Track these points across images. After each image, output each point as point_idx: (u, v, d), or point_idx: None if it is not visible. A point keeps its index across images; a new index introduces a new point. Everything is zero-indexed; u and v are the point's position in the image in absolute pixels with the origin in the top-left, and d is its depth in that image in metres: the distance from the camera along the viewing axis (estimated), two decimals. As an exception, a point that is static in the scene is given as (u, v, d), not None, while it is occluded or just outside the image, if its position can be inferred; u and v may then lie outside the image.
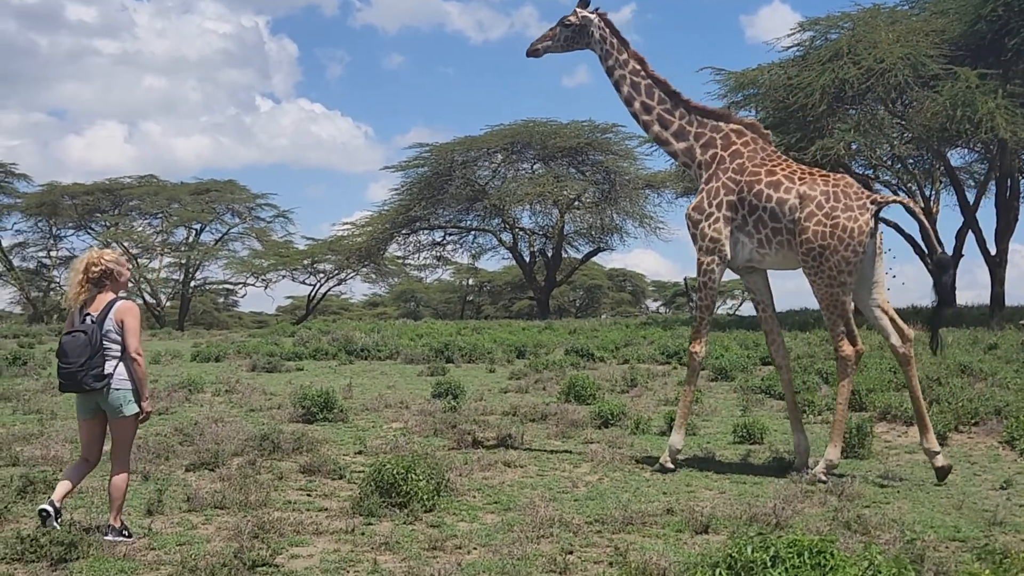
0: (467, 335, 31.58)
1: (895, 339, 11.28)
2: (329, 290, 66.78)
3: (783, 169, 11.46)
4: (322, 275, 64.03)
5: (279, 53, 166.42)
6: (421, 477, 9.34)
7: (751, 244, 11.50)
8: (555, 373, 20.93)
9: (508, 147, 56.60)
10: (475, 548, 8.00)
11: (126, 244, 62.10)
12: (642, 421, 14.34)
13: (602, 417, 14.54)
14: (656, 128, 12.21)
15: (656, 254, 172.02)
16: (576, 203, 56.84)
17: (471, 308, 78.88)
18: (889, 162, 41.81)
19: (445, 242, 61.34)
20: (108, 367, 7.81)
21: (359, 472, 10.64)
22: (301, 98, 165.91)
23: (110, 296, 8.01)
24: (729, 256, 11.59)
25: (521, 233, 58.91)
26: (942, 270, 11.55)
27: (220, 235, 66.39)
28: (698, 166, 12.01)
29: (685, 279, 77.55)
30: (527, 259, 59.45)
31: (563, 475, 11.15)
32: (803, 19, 39.34)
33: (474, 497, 9.91)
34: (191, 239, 66.28)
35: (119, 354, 7.90)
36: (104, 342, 7.83)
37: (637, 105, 12.26)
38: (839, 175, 11.44)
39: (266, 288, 65.15)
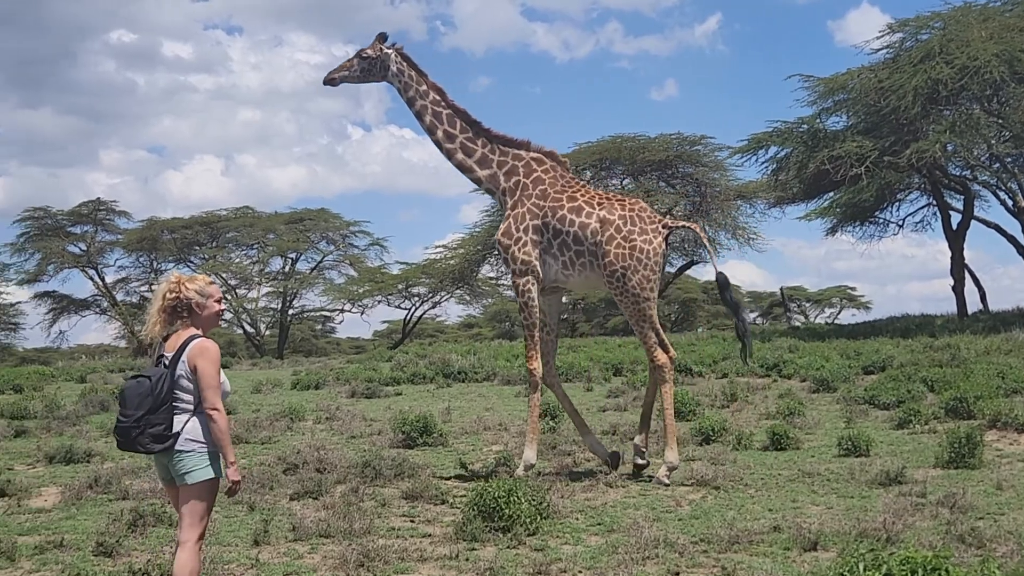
0: (563, 354, 31.48)
1: (659, 355, 12.17)
2: (424, 313, 67.16)
3: (583, 195, 12.18)
4: (417, 299, 64.41)
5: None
6: (523, 500, 9.32)
7: (556, 266, 12.19)
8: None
9: (596, 163, 56.38)
10: (580, 572, 7.95)
11: (224, 276, 63.22)
12: (744, 436, 14.16)
13: (703, 433, 14.41)
14: (460, 156, 12.64)
15: (752, 265, 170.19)
16: (667, 217, 56.42)
17: (566, 326, 78.66)
18: (987, 162, 40.85)
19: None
20: (176, 424, 6.23)
21: (461, 496, 10.66)
22: (391, 124, 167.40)
23: (190, 332, 6.43)
24: (541, 276, 12.17)
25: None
26: (722, 288, 12.45)
27: (315, 263, 67.22)
28: (502, 192, 12.55)
29: (781, 289, 76.64)
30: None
31: (666, 494, 11.04)
32: (892, 20, 38.69)
33: (577, 519, 9.86)
34: (287, 268, 67.23)
35: (192, 406, 6.30)
36: (175, 391, 6.29)
37: (440, 134, 12.62)
38: (634, 200, 12.29)
39: (362, 314, 65.74)
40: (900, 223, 48.86)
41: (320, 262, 67.11)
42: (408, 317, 65.47)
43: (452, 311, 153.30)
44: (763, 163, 41.99)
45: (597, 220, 11.85)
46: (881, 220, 48.91)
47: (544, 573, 7.87)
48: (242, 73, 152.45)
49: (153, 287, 63.78)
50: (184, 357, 6.29)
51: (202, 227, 66.76)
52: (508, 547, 8.68)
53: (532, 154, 12.53)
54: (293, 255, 66.66)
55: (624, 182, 57.78)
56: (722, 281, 12.41)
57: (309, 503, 10.70)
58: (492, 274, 62.21)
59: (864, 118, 38.23)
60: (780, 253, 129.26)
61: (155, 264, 66.94)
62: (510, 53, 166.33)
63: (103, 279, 65.45)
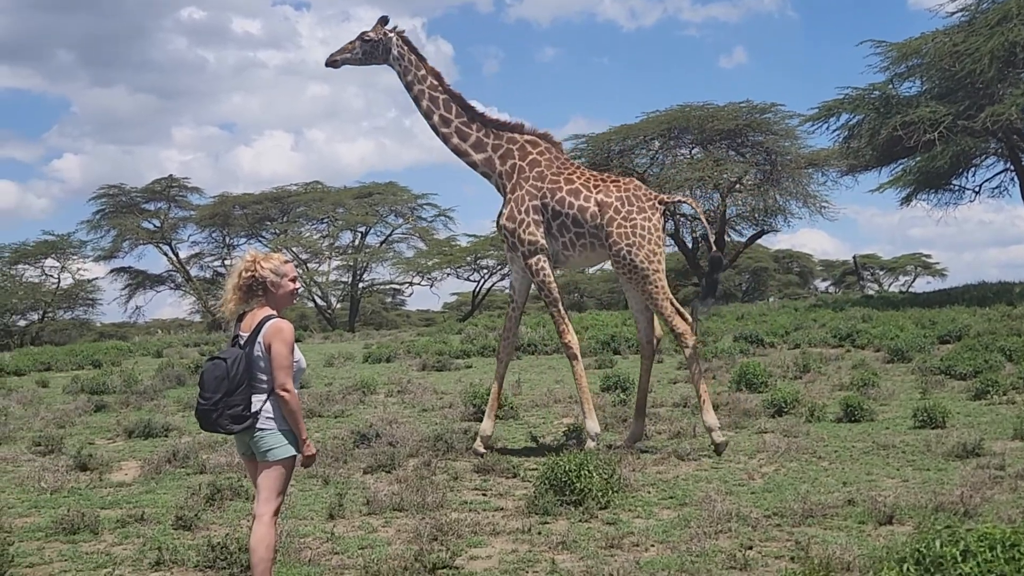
0: (632, 325, 31.38)
1: (649, 335, 12.54)
2: (493, 285, 67.36)
3: (579, 178, 12.31)
4: (485, 271, 64.62)
5: (436, 53, 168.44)
6: (594, 473, 9.33)
7: (556, 246, 12.33)
8: (724, 361, 20.70)
9: (665, 133, 56.01)
10: (652, 545, 7.94)
11: (295, 250, 63.86)
12: (817, 408, 14.02)
13: (775, 405, 14.30)
14: (455, 140, 12.74)
15: (824, 233, 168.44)
16: (737, 186, 55.83)
17: (636, 296, 78.45)
18: (1067, 125, 39.87)
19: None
20: (255, 403, 6.27)
21: (533, 470, 10.71)
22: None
23: (265, 312, 6.42)
24: (550, 252, 12.30)
25: (682, 219, 58.28)
26: (714, 266, 12.93)
27: (384, 236, 67.62)
28: (499, 176, 12.68)
29: (854, 257, 75.73)
30: (690, 245, 58.81)
31: (738, 467, 10.99)
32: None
33: (649, 492, 9.85)
34: (357, 242, 67.69)
35: (270, 386, 6.31)
36: (253, 371, 6.31)
37: (436, 118, 12.73)
38: (628, 180, 12.39)
39: (431, 286, 66.11)
40: (976, 189, 47.91)
41: (389, 235, 67.54)
42: (477, 289, 65.72)
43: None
44: (834, 131, 41.46)
45: (595, 203, 12.00)
46: (956, 187, 48.00)
47: (616, 546, 7.87)
48: (310, 48, 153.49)
49: (226, 262, 64.85)
50: (260, 338, 6.30)
51: (272, 202, 67.46)
52: (580, 520, 8.70)
53: (527, 137, 12.66)
54: (362, 229, 67.12)
55: (693, 151, 57.38)
56: (715, 261, 13.00)
57: (382, 477, 10.81)
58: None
59: (938, 83, 37.53)
60: (853, 221, 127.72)
61: (227, 239, 67.81)
62: (576, 23, 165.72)
63: (177, 255, 66.49)
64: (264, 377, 6.30)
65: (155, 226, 65.54)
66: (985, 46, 32.80)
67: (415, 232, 68.01)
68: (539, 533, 8.33)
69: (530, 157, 12.49)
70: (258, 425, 6.25)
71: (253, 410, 6.25)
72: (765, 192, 55.31)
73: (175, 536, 8.51)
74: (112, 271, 65.64)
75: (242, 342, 6.37)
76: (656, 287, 11.92)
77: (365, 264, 66.00)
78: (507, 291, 78.35)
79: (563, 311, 12.41)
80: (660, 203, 12.14)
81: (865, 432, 12.75)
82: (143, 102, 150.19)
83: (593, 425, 12.01)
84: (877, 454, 11.37)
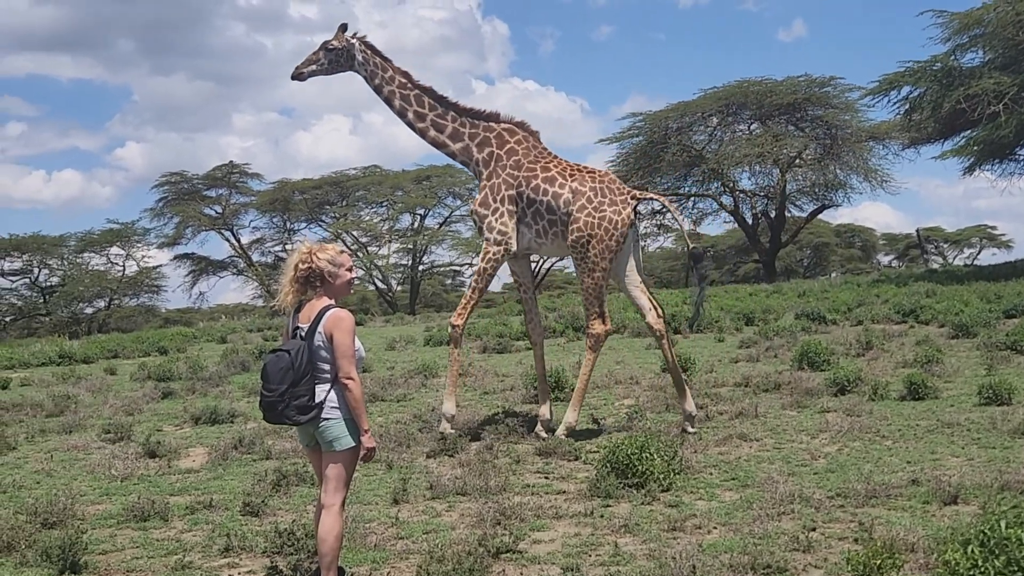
0: (691, 306, 31.31)
1: (651, 317, 12.46)
2: (552, 265, 67.38)
3: (555, 166, 12.41)
4: (545, 251, 64.60)
5: (492, 34, 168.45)
6: (656, 456, 9.35)
7: (530, 234, 12.44)
8: (786, 339, 20.57)
9: (723, 109, 55.77)
10: (715, 527, 7.95)
11: (355, 233, 64.31)
12: (880, 386, 13.89)
13: (838, 384, 14.19)
14: (432, 133, 12.85)
15: (886, 206, 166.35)
16: (797, 161, 55.42)
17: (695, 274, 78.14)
18: None
19: (664, 210, 60.86)
20: (319, 394, 6.37)
21: (594, 453, 10.75)
22: (514, 77, 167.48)
23: (324, 303, 6.50)
24: (515, 247, 12.41)
25: (742, 195, 57.97)
26: (696, 261, 13.07)
27: (443, 218, 67.88)
28: (476, 164, 12.77)
29: (917, 230, 74.87)
30: (749, 221, 58.46)
31: (801, 447, 10.94)
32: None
33: (711, 474, 9.85)
34: (416, 224, 67.98)
35: (332, 376, 6.40)
36: (316, 362, 6.40)
37: (411, 115, 12.86)
38: (603, 172, 12.55)
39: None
40: (1043, 159, 47.08)
41: (448, 217, 67.75)
42: (536, 269, 65.66)
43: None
44: (895, 103, 40.91)
45: (569, 191, 12.14)
46: (1021, 157, 47.21)
47: (679, 529, 7.89)
48: (367, 31, 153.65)
49: (287, 247, 65.42)
50: (320, 328, 6.38)
51: (332, 187, 67.96)
52: (642, 503, 8.73)
53: (504, 125, 12.75)
54: (421, 211, 67.40)
55: (752, 127, 57.07)
56: (696, 254, 13.11)
57: (445, 461, 10.90)
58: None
59: (1002, 53, 36.89)
60: (916, 193, 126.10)
61: (288, 224, 68.47)
62: (632, 0, 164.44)
63: (239, 240, 67.29)
64: (326, 367, 6.40)
65: (217, 212, 66.36)
66: (1050, 15, 32.20)
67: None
68: (601, 516, 8.37)
69: (507, 146, 12.60)
70: (323, 415, 6.35)
71: (317, 400, 6.35)
72: (825, 166, 54.87)
73: (243, 522, 8.66)
74: (175, 257, 66.66)
75: (303, 333, 6.45)
76: (596, 284, 12.15)
77: (424, 246, 66.31)
78: (566, 270, 78.36)
79: (475, 301, 12.66)
80: (633, 198, 12.28)
81: (929, 410, 12.63)
82: (202, 89, 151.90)
83: (449, 407, 12.31)
84: (942, 432, 11.27)
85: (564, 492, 9.37)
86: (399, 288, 69.27)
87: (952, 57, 38.91)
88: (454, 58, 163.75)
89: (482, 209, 12.48)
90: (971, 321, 20.52)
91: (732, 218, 59.25)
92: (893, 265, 79.12)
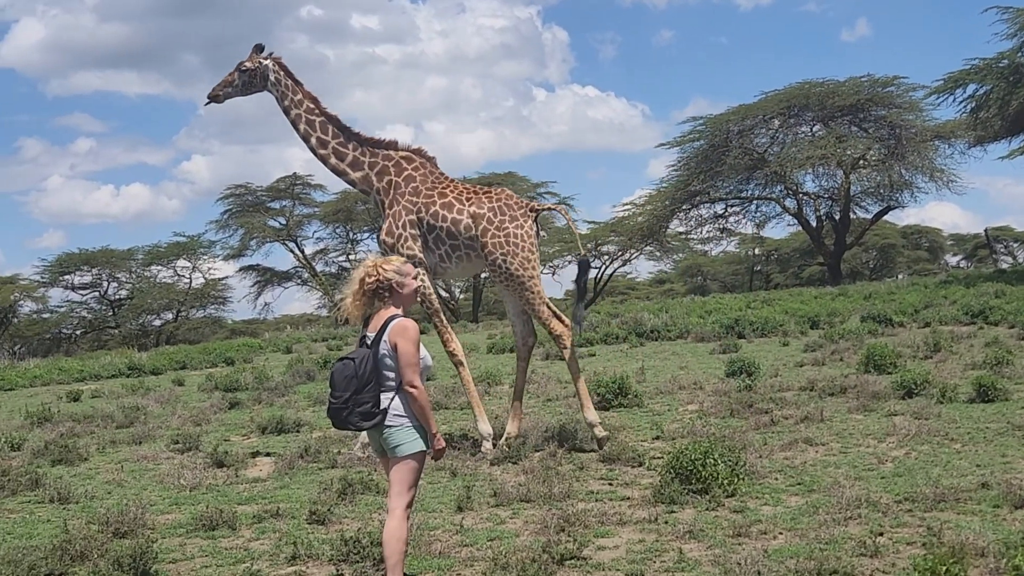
0: (757, 308, 31.15)
1: (555, 325, 12.35)
2: (615, 271, 67.30)
3: (452, 191, 12.57)
4: (607, 257, 64.58)
5: (552, 41, 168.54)
6: (720, 461, 9.30)
7: (434, 258, 12.62)
8: (852, 342, 20.36)
9: (785, 111, 55.37)
10: (780, 533, 7.90)
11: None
12: (948, 388, 13.69)
13: (905, 387, 14.01)
14: (333, 160, 12.93)
15: (954, 206, 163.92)
16: (861, 162, 54.84)
17: (759, 278, 77.61)
18: None
19: (727, 214, 60.64)
20: (384, 400, 6.49)
21: (658, 459, 10.72)
22: (574, 84, 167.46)
23: (390, 312, 6.61)
24: (428, 266, 12.61)
25: (805, 198, 57.49)
26: (581, 271, 13.10)
27: (505, 227, 67.83)
28: (377, 192, 12.90)
29: (986, 230, 73.76)
30: (813, 224, 57.92)
31: (867, 451, 10.83)
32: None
33: (776, 479, 9.77)
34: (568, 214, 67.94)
35: (397, 383, 6.51)
36: (381, 370, 6.51)
37: (314, 140, 12.93)
38: (499, 190, 12.70)
39: (553, 274, 66.19)
40: (1115, 153, 46.22)
41: (510, 224, 67.66)
42: (599, 275, 65.66)
43: (642, 268, 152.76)
44: (961, 102, 40.39)
45: (468, 215, 12.26)
46: (1091, 154, 46.38)
47: (744, 535, 7.85)
48: (428, 41, 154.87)
49: (350, 257, 65.89)
50: (385, 337, 6.49)
51: (394, 197, 68.22)
52: (707, 509, 8.69)
53: (401, 153, 12.86)
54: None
55: (814, 128, 56.61)
56: (583, 265, 13.21)
57: (509, 468, 10.94)
58: (682, 229, 61.75)
59: (1072, 47, 36.29)
60: (984, 192, 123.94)
61: (351, 235, 68.89)
62: (693, 4, 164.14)
63: (303, 251, 67.80)
64: (391, 375, 6.49)
65: (281, 224, 66.96)
66: (1120, 7, 31.59)
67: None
68: (666, 522, 8.35)
69: (405, 173, 12.72)
70: (387, 422, 6.45)
71: (382, 407, 6.46)
72: (890, 167, 54.23)
73: (309, 531, 8.74)
74: (241, 269, 67.35)
75: (369, 342, 6.57)
76: (532, 292, 12.21)
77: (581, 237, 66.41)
78: (629, 275, 78.21)
79: (444, 321, 12.75)
80: (532, 211, 12.41)
81: (999, 412, 12.43)
82: (266, 101, 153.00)
83: (485, 427, 12.19)
84: (1012, 435, 11.09)
85: (628, 498, 9.35)
86: (462, 296, 69.45)
87: (1019, 54, 38.29)
88: (515, 65, 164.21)
89: (388, 238, 12.62)
90: (1042, 321, 20.18)
91: (796, 221, 58.76)
92: (961, 266, 77.97)
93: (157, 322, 63.73)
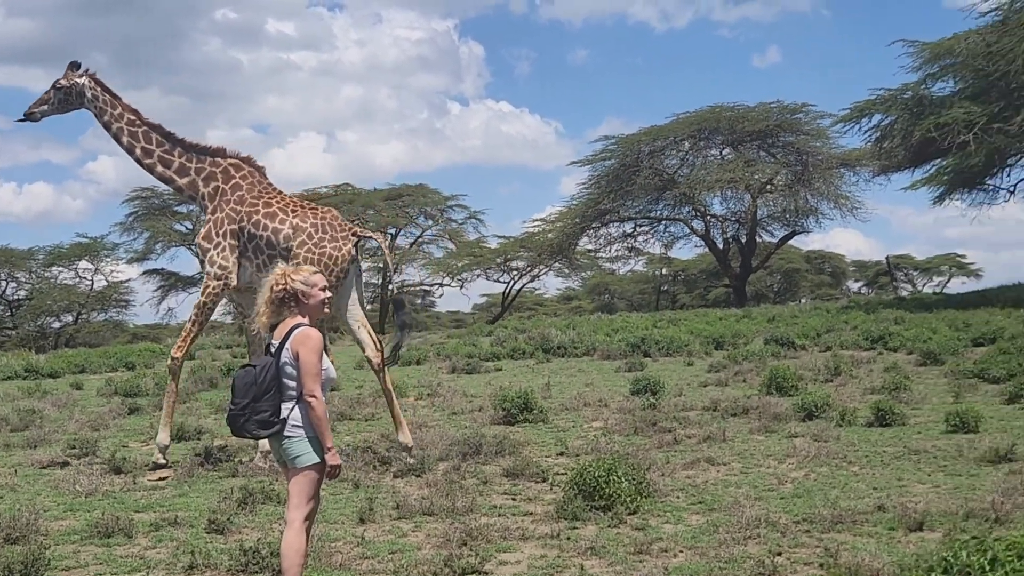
0: (663, 327, 31.42)
1: (370, 351, 12.32)
2: (523, 287, 67.49)
3: (278, 202, 12.57)
4: (516, 272, 64.75)
5: (468, 55, 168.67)
6: (623, 479, 9.35)
7: (251, 268, 12.45)
8: (755, 364, 20.63)
9: (695, 134, 56.08)
10: (681, 551, 7.95)
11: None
12: (848, 412, 13.96)
13: (806, 409, 14.24)
14: (160, 169, 12.93)
15: (857, 233, 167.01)
16: (768, 186, 55.78)
17: (666, 298, 78.40)
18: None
19: (636, 233, 61.10)
20: (284, 410, 6.37)
21: (562, 475, 10.73)
22: (489, 99, 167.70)
23: (296, 321, 6.53)
24: (235, 282, 12.51)
25: (713, 220, 58.22)
26: (398, 308, 13.50)
27: (415, 238, 67.74)
28: (202, 198, 12.85)
29: (887, 257, 75.43)
30: (720, 246, 58.68)
31: (768, 472, 10.97)
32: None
33: (678, 497, 9.85)
34: (387, 243, 67.74)
35: (297, 394, 6.39)
36: (282, 379, 6.40)
37: (139, 151, 12.90)
38: (326, 209, 12.78)
39: (461, 288, 66.21)
40: (1011, 189, 47.55)
41: (419, 237, 67.61)
42: (507, 290, 65.81)
43: (551, 284, 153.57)
44: (866, 131, 41.18)
45: (290, 226, 12.29)
46: (991, 186, 47.65)
47: (645, 552, 7.89)
48: (345, 49, 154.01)
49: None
50: (288, 345, 6.40)
51: (303, 204, 67.65)
52: (609, 526, 8.73)
53: (230, 160, 12.89)
54: (392, 230, 67.24)
55: (724, 152, 57.41)
56: (399, 302, 13.72)
57: (412, 481, 10.87)
58: (591, 247, 62.18)
59: (972, 83, 37.24)
60: (887, 220, 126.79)
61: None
62: (608, 24, 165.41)
63: (208, 256, 66.76)
64: (293, 384, 6.39)
65: (187, 228, 65.92)
66: (1019, 47, 32.54)
67: (445, 234, 68.11)
68: (568, 538, 8.36)
69: (232, 180, 12.73)
70: (286, 432, 6.35)
71: (281, 416, 6.36)
72: (796, 193, 55.27)
73: (208, 540, 8.60)
74: (144, 273, 66.05)
75: (273, 350, 6.48)
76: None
77: (396, 266, 66.16)
78: (537, 291, 78.43)
79: (195, 333, 12.70)
80: (354, 235, 12.50)
81: (896, 437, 12.69)
82: (177, 104, 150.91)
83: (162, 438, 12.09)
84: (908, 459, 11.33)
85: (531, 514, 9.35)
86: (370, 307, 69.06)
87: (923, 86, 39.27)
88: (431, 78, 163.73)
89: (205, 243, 12.55)
90: (939, 349, 20.67)
91: (703, 242, 59.50)
92: (863, 292, 79.56)
93: (56, 324, 62.20)
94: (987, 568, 5.33)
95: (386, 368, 12.38)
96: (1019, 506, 8.76)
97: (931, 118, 35.32)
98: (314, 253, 12.06)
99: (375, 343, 12.40)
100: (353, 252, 12.37)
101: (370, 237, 13.33)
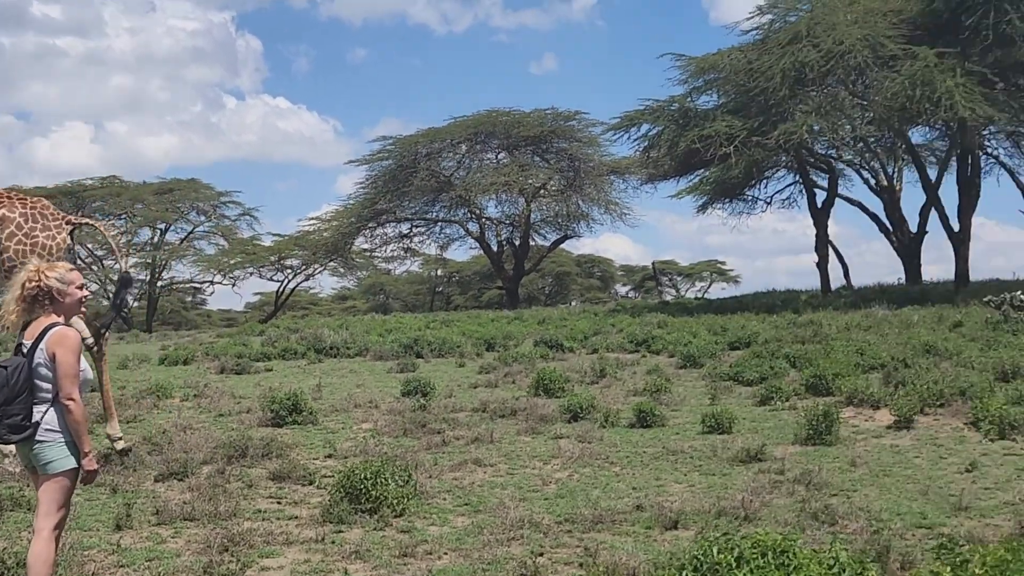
0: (436, 328, 31.56)
1: (88, 339, 11.77)
2: (297, 286, 66.64)
3: None
4: (289, 271, 63.90)
5: (245, 49, 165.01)
6: (391, 481, 9.36)
7: None
8: (524, 366, 20.95)
9: (472, 137, 56.70)
10: (446, 553, 8.02)
11: (90, 246, 61.63)
12: (611, 414, 14.37)
13: (571, 411, 14.57)
14: None
15: (627, 239, 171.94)
16: (542, 191, 56.93)
17: (440, 299, 78.85)
18: (851, 142, 42.08)
19: (412, 234, 61.28)
20: (36, 413, 6.09)
21: (329, 477, 10.65)
22: (265, 94, 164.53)
23: (50, 320, 6.22)
24: None
25: (488, 223, 58.97)
26: (123, 285, 13.20)
27: (185, 234, 65.94)
28: None
29: (653, 263, 77.91)
30: (495, 248, 59.46)
31: (533, 473, 11.18)
32: (763, 2, 39.52)
33: (444, 499, 9.93)
34: (156, 239, 65.74)
35: (52, 396, 6.14)
36: (34, 380, 6.11)
37: None
38: (36, 199, 12.31)
39: (233, 286, 64.93)
40: (768, 200, 50.21)
41: (190, 233, 65.86)
42: (281, 289, 64.86)
43: (326, 283, 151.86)
44: (635, 140, 42.49)
45: None
46: (750, 197, 50.15)
47: (410, 555, 7.92)
48: (115, 37, 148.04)
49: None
50: (43, 346, 6.12)
51: (66, 196, 64.63)
52: (375, 529, 8.72)
53: None
54: (162, 226, 65.26)
55: (499, 156, 58.22)
56: (124, 280, 13.18)
57: (174, 485, 10.57)
58: (367, 246, 61.97)
59: (734, 98, 39.01)
60: (654, 227, 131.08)
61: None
62: (388, 24, 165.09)
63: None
64: (46, 386, 6.13)
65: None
66: (777, 65, 34.25)
67: (218, 230, 66.57)
68: (333, 542, 8.31)
69: None
70: (38, 436, 6.09)
71: (33, 420, 6.08)
72: (568, 198, 56.66)
73: (-52, 550, 8.13)
74: None
75: (25, 350, 6.17)
76: None
77: (164, 262, 64.22)
78: (312, 291, 77.53)
79: None
80: (68, 223, 12.20)
81: (656, 437, 13.14)
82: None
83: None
84: (666, 459, 11.75)
85: (296, 518, 9.24)
86: (136, 304, 66.74)
87: (688, 99, 40.85)
88: (206, 71, 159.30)
89: None
90: (698, 352, 21.48)
91: (478, 245, 60.15)
92: (630, 296, 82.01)
93: None
94: (734, 565, 5.58)
95: (103, 354, 12.02)
96: (766, 504, 9.24)
97: (695, 130, 36.76)
98: (25, 244, 11.57)
99: (95, 329, 11.98)
100: (68, 241, 11.91)
101: (87, 224, 12.84)
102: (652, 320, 31.34)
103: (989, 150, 42.43)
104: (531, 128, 55.03)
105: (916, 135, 42.37)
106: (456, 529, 8.77)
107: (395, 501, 9.21)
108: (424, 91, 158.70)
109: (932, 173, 40.98)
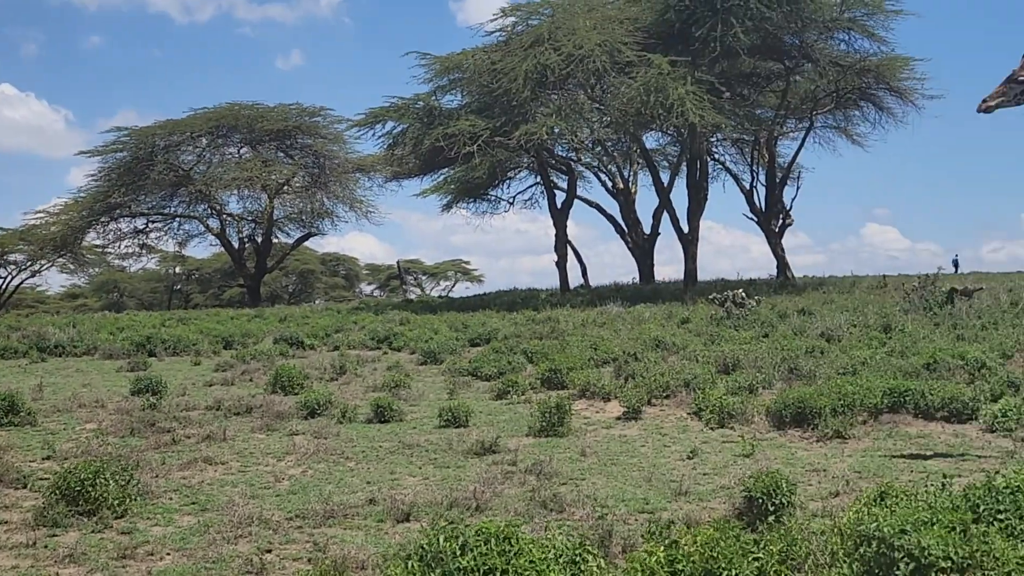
0: (172, 326, 30.59)
1: None
2: (22, 282, 63.13)
3: None
4: (13, 267, 60.46)
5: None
6: (111, 481, 8.93)
7: None
8: (263, 363, 20.57)
9: (213, 131, 55.20)
10: (168, 553, 7.72)
11: None
12: (349, 409, 14.24)
13: (309, 407, 14.36)
14: None
15: (372, 237, 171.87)
16: (285, 187, 56.07)
17: (179, 297, 76.53)
18: (590, 145, 43.37)
19: (149, 229, 59.08)
20: None
21: (45, 479, 10.07)
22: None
23: None
24: None
25: (229, 219, 57.59)
26: None
27: None
28: None
29: (398, 261, 78.16)
30: (236, 245, 58.11)
31: (266, 469, 10.92)
32: (507, 4, 40.21)
33: (171, 498, 9.56)
34: None
35: None
36: None
37: None
38: None
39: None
40: (511, 200, 51.20)
41: None
42: (3, 286, 61.31)
43: (54, 280, 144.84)
44: (380, 137, 42.47)
45: None
46: (493, 197, 50.99)
47: (129, 557, 7.59)
48: None
49: None
50: None
51: None
52: (93, 531, 8.30)
53: None
54: None
55: (242, 151, 57.01)
56: None
57: None
58: (99, 242, 59.30)
59: (478, 98, 39.52)
60: (400, 226, 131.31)
61: None
62: (125, 11, 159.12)
63: None
64: None
65: None
66: (520, 67, 34.91)
67: (-68, 222, 62.35)
68: (46, 546, 7.86)
69: None
70: None
71: None
72: (313, 195, 56.09)
73: None
74: None
75: None
76: None
77: None
78: (38, 288, 73.77)
79: None
80: None
81: (393, 432, 13.09)
82: None
83: None
84: (402, 453, 11.71)
85: (6, 522, 8.69)
86: None
87: (433, 97, 41.08)
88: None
89: None
90: (439, 348, 21.61)
91: (219, 241, 58.64)
92: (375, 294, 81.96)
93: None
94: (458, 553, 5.57)
95: None
96: (497, 494, 9.34)
97: (440, 128, 37.04)
98: None
99: None
100: None
101: None
102: (395, 317, 31.38)
103: (716, 156, 44.64)
104: (275, 123, 54.09)
105: (650, 140, 44.19)
106: (181, 528, 8.45)
107: (116, 502, 8.80)
108: (164, 83, 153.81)
109: (665, 177, 42.78)
